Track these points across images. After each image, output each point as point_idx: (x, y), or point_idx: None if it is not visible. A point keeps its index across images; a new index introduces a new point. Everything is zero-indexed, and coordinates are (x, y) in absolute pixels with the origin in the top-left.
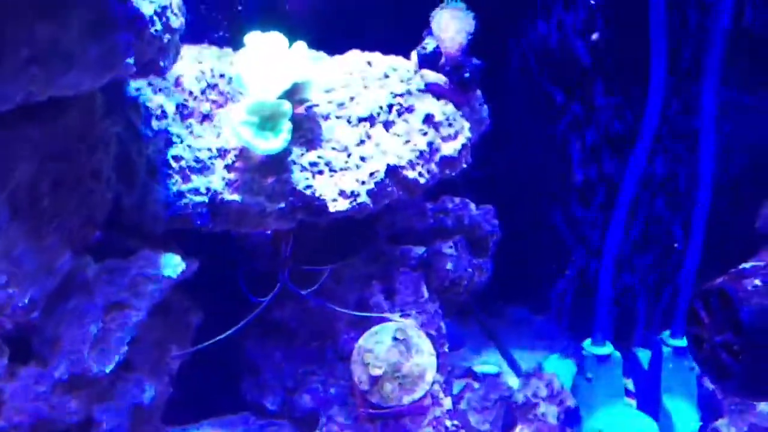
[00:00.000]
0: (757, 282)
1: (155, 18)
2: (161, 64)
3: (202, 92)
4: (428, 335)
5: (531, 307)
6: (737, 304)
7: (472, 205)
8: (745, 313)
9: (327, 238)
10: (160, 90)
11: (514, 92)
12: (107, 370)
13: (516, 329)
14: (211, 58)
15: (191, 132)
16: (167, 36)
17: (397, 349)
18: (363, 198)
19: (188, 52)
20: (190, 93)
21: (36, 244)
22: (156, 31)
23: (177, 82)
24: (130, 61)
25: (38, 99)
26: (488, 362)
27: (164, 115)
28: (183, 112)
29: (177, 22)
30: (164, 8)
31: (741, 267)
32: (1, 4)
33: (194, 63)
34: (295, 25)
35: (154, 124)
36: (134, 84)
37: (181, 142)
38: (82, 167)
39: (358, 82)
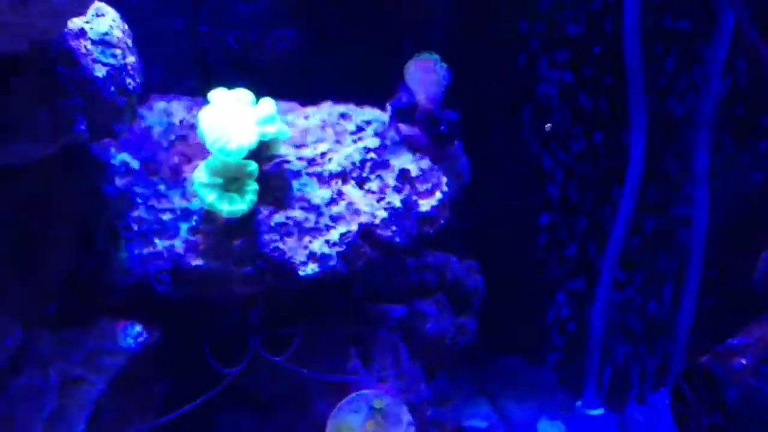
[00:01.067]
0: (744, 362)
1: (108, 81)
2: (115, 128)
3: (171, 144)
4: (408, 403)
5: (524, 356)
6: (723, 387)
7: (454, 260)
8: (731, 396)
9: (299, 299)
10: (125, 146)
11: (495, 141)
12: None
13: (508, 380)
14: (182, 109)
15: (155, 191)
16: (122, 98)
17: (374, 419)
18: (334, 261)
19: (158, 103)
20: (159, 144)
21: None
22: (109, 94)
23: (146, 135)
24: (82, 127)
25: None
26: (478, 415)
27: (129, 171)
28: (149, 167)
29: (133, 83)
30: (119, 69)
31: (728, 343)
32: None
33: (163, 115)
34: (268, 75)
35: (118, 182)
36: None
37: (144, 203)
38: (35, 237)
39: (330, 136)
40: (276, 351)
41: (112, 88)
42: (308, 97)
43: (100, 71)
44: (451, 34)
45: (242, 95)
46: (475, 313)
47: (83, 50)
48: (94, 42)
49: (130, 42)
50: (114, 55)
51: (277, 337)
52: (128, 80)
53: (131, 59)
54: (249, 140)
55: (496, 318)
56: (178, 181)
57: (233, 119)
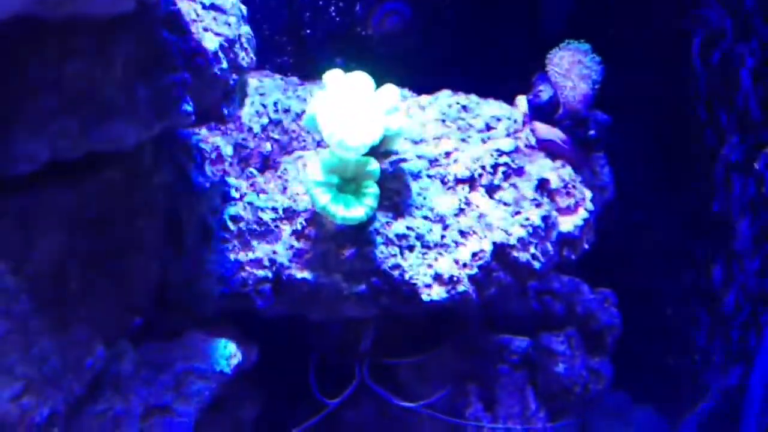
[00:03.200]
0: None
1: (220, 54)
2: (224, 111)
3: (263, 129)
4: None
5: (635, 394)
6: None
7: (585, 288)
8: None
9: (413, 325)
10: (216, 127)
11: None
12: None
13: (615, 421)
14: (275, 89)
15: (253, 184)
16: (234, 76)
17: None
18: (464, 285)
19: (249, 81)
20: (250, 130)
21: (61, 338)
22: (221, 69)
23: (235, 117)
24: (188, 107)
25: (69, 157)
26: None
27: (220, 159)
28: (241, 153)
29: (246, 59)
30: (232, 42)
31: None
32: (19, 37)
33: (256, 95)
34: (370, 55)
35: (209, 171)
36: None
37: (241, 197)
38: (121, 239)
39: (454, 132)
40: (383, 383)
41: (224, 64)
42: (418, 86)
43: (211, 42)
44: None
45: (362, 80)
46: (610, 354)
47: (193, 15)
48: (205, 6)
49: (244, 9)
50: (228, 24)
51: (385, 368)
52: (241, 54)
53: (245, 29)
54: (372, 135)
55: (635, 359)
56: (276, 174)
57: (353, 108)
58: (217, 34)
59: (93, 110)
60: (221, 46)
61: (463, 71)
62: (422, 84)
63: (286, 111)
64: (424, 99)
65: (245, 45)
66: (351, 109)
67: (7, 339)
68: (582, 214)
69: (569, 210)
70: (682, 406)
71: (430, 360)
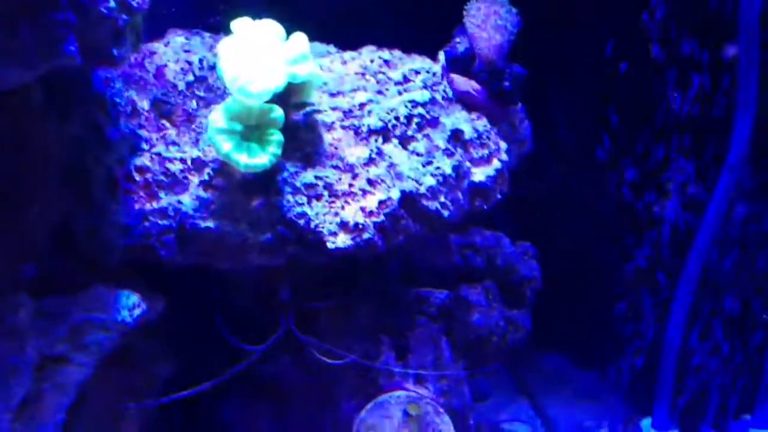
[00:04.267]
0: None
1: None
2: (114, 52)
3: (188, 85)
4: (449, 409)
5: (572, 357)
6: None
7: (506, 241)
8: None
9: (324, 274)
10: (136, 82)
11: (560, 105)
12: None
13: (553, 383)
14: (202, 46)
15: (164, 136)
16: (123, 16)
17: (409, 428)
18: (370, 233)
19: (176, 38)
20: (174, 87)
21: None
22: (108, 9)
23: (159, 73)
24: (72, 47)
25: None
26: (519, 420)
27: (136, 113)
28: (161, 109)
29: None
30: None
31: None
32: None
33: (181, 52)
34: (302, 12)
35: (122, 124)
36: (103, 73)
37: (150, 149)
38: (8, 185)
39: (372, 85)
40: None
41: (112, 3)
42: (347, 41)
43: None
44: None
45: (271, 27)
46: (529, 306)
47: None
48: None
49: None
50: None
51: (300, 320)
52: None
53: None
54: (276, 82)
55: (542, 309)
56: (191, 127)
57: (258, 55)
58: None
59: None
60: None
61: (391, 27)
62: (352, 41)
63: (212, 68)
64: (348, 54)
65: None
66: (256, 55)
67: None
68: (495, 164)
69: (483, 160)
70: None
71: (345, 315)
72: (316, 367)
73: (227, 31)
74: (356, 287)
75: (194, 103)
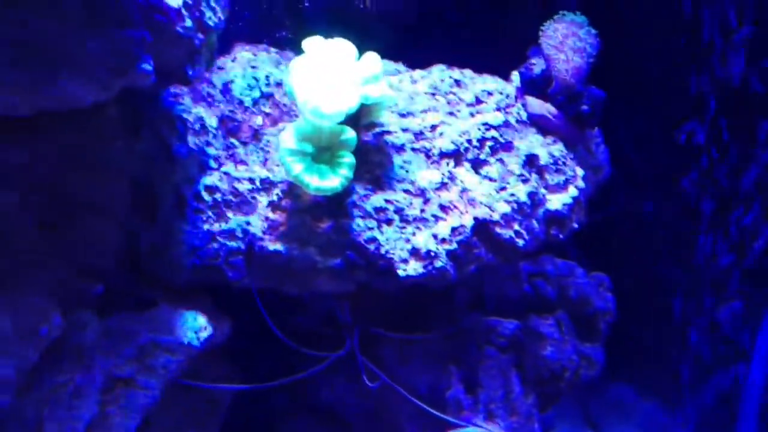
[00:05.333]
0: None
1: (183, 11)
2: (188, 72)
3: (255, 102)
4: None
5: (638, 387)
6: None
7: (579, 271)
8: None
9: (394, 300)
10: (203, 98)
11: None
12: None
13: (618, 414)
14: (269, 62)
15: (232, 155)
16: (199, 36)
17: None
18: (442, 261)
19: (242, 53)
20: (240, 103)
21: (12, 302)
22: (184, 29)
23: (225, 89)
24: (147, 66)
25: (22, 113)
26: None
27: (204, 130)
28: (228, 125)
29: (214, 18)
30: (197, 0)
31: None
32: None
33: (248, 67)
34: (370, 30)
35: (191, 142)
36: (173, 89)
37: (219, 167)
38: (79, 200)
39: (443, 106)
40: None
41: (188, 22)
42: (415, 60)
43: None
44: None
45: (343, 46)
46: (603, 340)
47: None
48: None
49: None
50: None
51: (365, 345)
52: (208, 14)
53: None
54: (349, 103)
55: (613, 337)
56: (259, 146)
57: (330, 75)
58: None
59: (45, 65)
60: (185, 3)
61: (461, 47)
62: (419, 60)
63: (279, 84)
64: (417, 73)
65: (213, 4)
66: (328, 75)
67: None
68: (572, 192)
69: (558, 187)
70: (684, 400)
71: (414, 340)
72: (377, 394)
73: (293, 47)
74: (423, 314)
75: (260, 119)
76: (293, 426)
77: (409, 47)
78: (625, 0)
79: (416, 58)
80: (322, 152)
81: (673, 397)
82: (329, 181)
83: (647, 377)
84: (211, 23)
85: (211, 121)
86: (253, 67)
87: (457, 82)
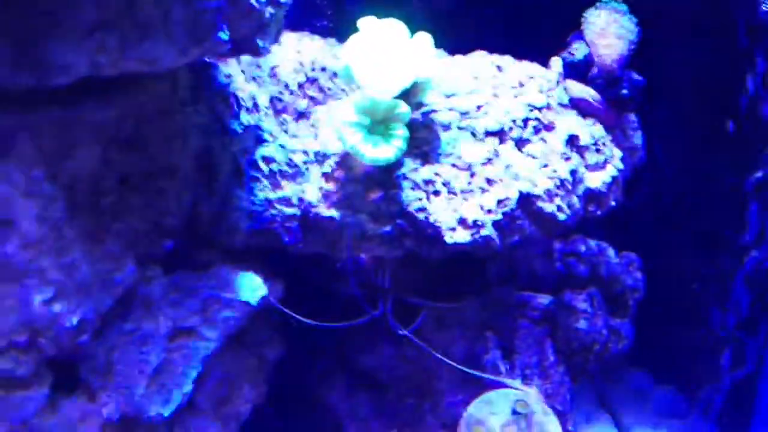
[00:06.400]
0: None
1: None
2: (259, 43)
3: (300, 86)
4: (554, 410)
5: (656, 373)
6: None
7: (611, 252)
8: None
9: (430, 272)
10: (252, 79)
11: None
12: (166, 413)
13: (635, 400)
14: (313, 48)
15: (285, 130)
16: (269, 9)
17: (517, 425)
18: (488, 230)
19: (287, 39)
20: (286, 86)
21: (94, 249)
22: (257, 1)
23: (272, 73)
24: (223, 35)
25: (107, 74)
26: None
27: (256, 108)
28: (276, 106)
29: None
30: None
31: None
32: None
33: (293, 52)
34: (408, 18)
35: (244, 117)
36: (224, 69)
37: (274, 140)
38: (155, 161)
39: (486, 88)
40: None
41: None
42: (456, 47)
43: None
44: None
45: (396, 26)
46: (632, 315)
47: None
48: None
49: None
50: None
51: (403, 311)
52: None
53: None
54: (404, 79)
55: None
56: (309, 123)
57: (386, 53)
58: None
59: (132, 28)
60: None
61: (500, 34)
62: (459, 46)
63: (323, 69)
64: (460, 58)
65: None
66: (384, 52)
67: (41, 243)
68: (610, 171)
69: (597, 167)
70: (702, 388)
71: (448, 310)
72: (416, 358)
73: (336, 35)
74: (458, 286)
75: (305, 102)
76: (337, 386)
77: (448, 34)
78: None
79: (455, 46)
80: (377, 125)
81: (691, 384)
82: (384, 151)
83: (666, 365)
84: None
85: (263, 100)
86: (298, 52)
87: (498, 67)
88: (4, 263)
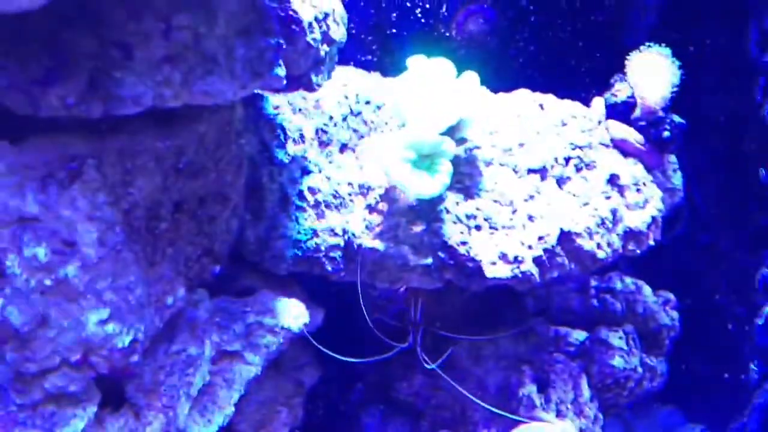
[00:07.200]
0: None
1: (314, 25)
2: (313, 79)
3: (344, 119)
4: None
5: (687, 411)
6: None
7: (648, 290)
8: None
9: (463, 303)
10: (299, 111)
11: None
12: None
13: None
14: (357, 82)
15: (331, 161)
16: (325, 47)
17: None
18: (528, 266)
19: (333, 73)
20: (331, 118)
21: (148, 273)
22: (313, 40)
23: (317, 105)
24: (280, 72)
25: (170, 105)
26: None
27: (302, 139)
28: (321, 138)
29: (338, 33)
30: (326, 15)
31: None
32: None
33: (338, 85)
34: (452, 56)
35: (291, 148)
36: (272, 100)
37: (320, 171)
38: (209, 189)
39: (528, 126)
40: (436, 359)
41: (317, 34)
42: (498, 85)
43: (307, 12)
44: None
45: (443, 65)
46: (666, 353)
47: None
48: None
49: None
50: None
51: (438, 344)
52: (333, 27)
53: (339, 5)
54: (451, 116)
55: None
56: (353, 156)
57: (434, 90)
58: (313, 6)
59: (196, 63)
60: (316, 17)
61: (542, 76)
62: (501, 86)
63: (367, 103)
64: (502, 96)
65: (338, 20)
66: (432, 90)
67: (99, 265)
68: (650, 211)
69: (638, 207)
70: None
71: (484, 342)
72: (450, 389)
73: (381, 69)
74: (497, 319)
75: (349, 134)
76: (373, 412)
77: (490, 74)
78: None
79: (499, 84)
80: (422, 160)
81: (721, 422)
82: (429, 185)
83: (698, 403)
84: (335, 37)
85: (309, 132)
86: (344, 86)
87: (541, 106)
88: (64, 283)
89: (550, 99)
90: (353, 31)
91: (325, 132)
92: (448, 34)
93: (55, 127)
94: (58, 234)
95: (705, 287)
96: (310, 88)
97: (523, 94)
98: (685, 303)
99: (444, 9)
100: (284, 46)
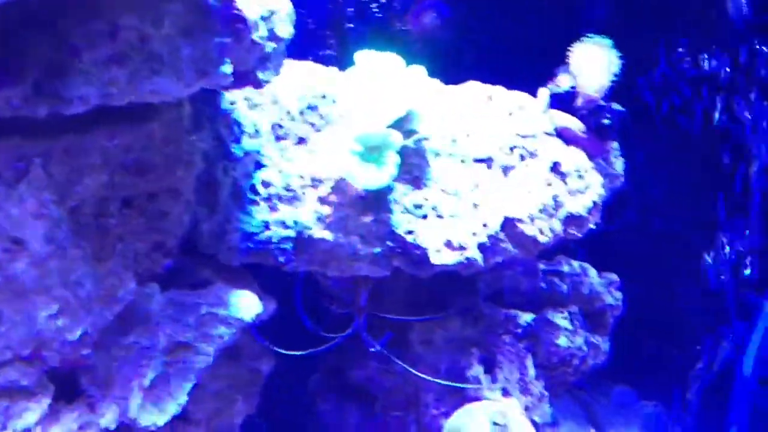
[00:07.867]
0: None
1: (260, 23)
2: (260, 76)
3: (301, 113)
4: (532, 422)
5: (639, 390)
6: None
7: (593, 272)
8: None
9: (415, 289)
10: (255, 106)
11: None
12: (160, 423)
13: (621, 414)
14: (315, 76)
15: (285, 156)
16: (271, 45)
17: None
18: (472, 252)
19: (290, 68)
20: (288, 113)
21: (97, 268)
22: (259, 37)
23: (274, 100)
24: (226, 69)
25: (116, 104)
26: None
27: (257, 134)
28: (278, 133)
29: (285, 30)
30: (272, 13)
31: None
32: None
33: (296, 80)
34: (408, 49)
35: (246, 143)
36: (228, 96)
37: (273, 165)
38: (158, 185)
39: (476, 117)
40: (391, 344)
41: (264, 31)
42: (451, 78)
43: (252, 10)
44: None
45: (391, 60)
46: (610, 332)
47: None
48: None
49: None
50: None
51: (390, 328)
52: (280, 26)
53: (285, 2)
54: (397, 111)
55: (618, 342)
56: (306, 149)
57: (382, 84)
58: (259, 5)
59: (141, 63)
60: (262, 16)
61: (494, 67)
62: (455, 78)
63: (324, 97)
64: (453, 88)
65: (284, 18)
66: (379, 84)
67: (48, 262)
68: (591, 196)
69: (579, 192)
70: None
71: (434, 327)
72: (404, 373)
73: (339, 64)
74: (446, 303)
75: (306, 129)
76: (328, 398)
77: (444, 66)
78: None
79: (451, 77)
80: (371, 152)
81: (675, 400)
82: (377, 176)
83: (648, 380)
84: (281, 35)
85: (264, 126)
86: (301, 80)
87: (490, 98)
88: (13, 280)
89: (498, 91)
90: (311, 27)
91: (281, 126)
92: (402, 28)
93: (2, 128)
94: (6, 232)
95: (659, 270)
96: (258, 84)
97: (473, 86)
98: (639, 286)
99: (399, 4)
100: (230, 45)
